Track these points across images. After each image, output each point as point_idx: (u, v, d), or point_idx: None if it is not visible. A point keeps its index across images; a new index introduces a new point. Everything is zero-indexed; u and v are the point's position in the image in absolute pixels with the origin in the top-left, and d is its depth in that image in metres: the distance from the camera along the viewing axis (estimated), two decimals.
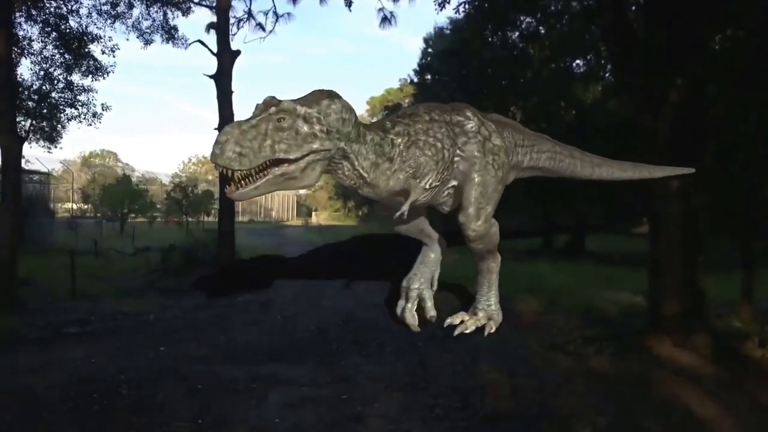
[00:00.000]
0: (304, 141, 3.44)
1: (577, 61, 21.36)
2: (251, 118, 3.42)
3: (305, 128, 3.47)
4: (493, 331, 4.88)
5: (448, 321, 4.77)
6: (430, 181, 4.03)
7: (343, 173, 3.81)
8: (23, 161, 15.76)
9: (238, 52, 15.98)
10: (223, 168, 3.21)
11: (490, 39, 16.66)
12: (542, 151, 5.07)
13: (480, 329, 4.87)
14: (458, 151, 4.11)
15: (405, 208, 3.89)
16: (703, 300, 6.64)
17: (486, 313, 4.82)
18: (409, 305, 4.80)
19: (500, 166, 4.24)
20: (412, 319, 4.74)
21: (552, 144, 5.15)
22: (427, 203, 4.24)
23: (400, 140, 3.87)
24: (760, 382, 5.62)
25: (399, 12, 29.20)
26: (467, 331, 4.84)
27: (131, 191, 32.10)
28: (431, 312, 4.84)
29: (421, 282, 4.87)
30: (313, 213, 67.47)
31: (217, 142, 3.24)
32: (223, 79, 15.55)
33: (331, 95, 3.70)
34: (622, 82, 8.05)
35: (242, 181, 3.37)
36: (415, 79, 32.63)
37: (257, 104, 3.50)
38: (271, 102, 3.47)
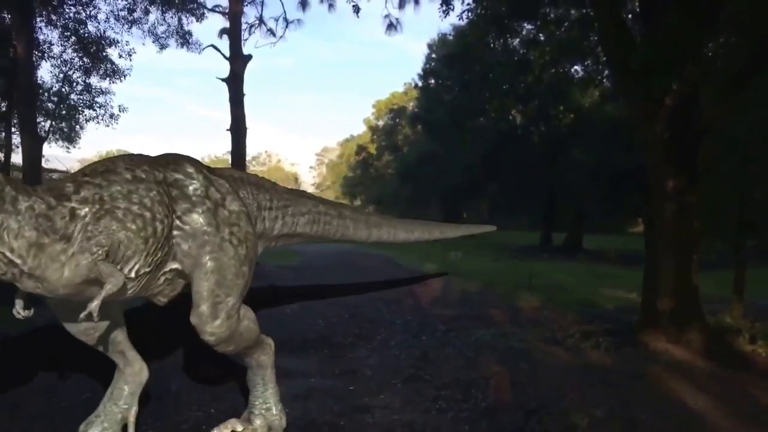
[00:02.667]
0: None
1: (576, 67, 21.34)
2: None
3: None
4: None
5: None
6: (138, 266, 2.74)
7: None
8: (43, 160, 15.87)
9: (249, 57, 15.99)
10: None
11: (492, 45, 16.63)
12: (299, 213, 3.82)
13: None
14: (178, 222, 2.88)
15: (93, 306, 2.57)
16: (697, 297, 6.63)
17: (265, 419, 3.63)
18: None
19: (242, 240, 3.03)
20: None
21: (313, 203, 3.93)
22: (135, 296, 3.00)
23: (86, 210, 2.60)
24: (750, 375, 5.61)
25: (404, 18, 29.18)
26: None
27: None
28: None
29: (105, 428, 3.38)
30: None
31: None
32: (235, 82, 15.56)
33: None
34: (620, 87, 8.03)
35: None
36: (420, 83, 32.74)
37: None
38: None
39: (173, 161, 3.02)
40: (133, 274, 2.73)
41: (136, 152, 3.10)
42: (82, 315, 2.59)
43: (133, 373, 3.54)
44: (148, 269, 2.78)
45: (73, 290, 2.62)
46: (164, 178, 2.88)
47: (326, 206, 4.03)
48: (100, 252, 2.56)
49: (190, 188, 2.93)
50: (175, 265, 2.95)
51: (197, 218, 2.89)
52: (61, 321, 3.21)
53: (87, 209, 2.60)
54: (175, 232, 2.86)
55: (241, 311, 3.21)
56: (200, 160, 3.43)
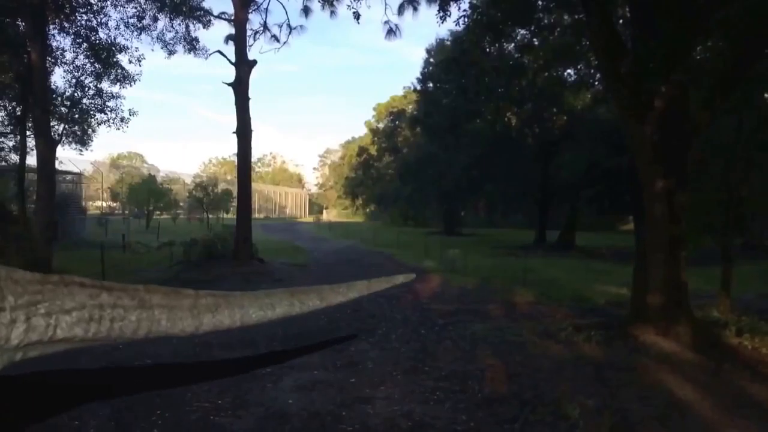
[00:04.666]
0: None
1: (569, 71, 21.31)
2: None
3: None
4: None
5: None
6: None
7: None
8: (57, 162, 15.85)
9: (254, 62, 15.99)
10: None
11: (487, 50, 16.63)
12: (61, 310, 1.00)
13: None
14: None
15: None
16: (685, 292, 6.64)
17: None
18: None
19: None
20: None
21: (90, 293, 1.03)
22: None
23: None
24: (736, 367, 5.62)
25: (403, 24, 29.16)
26: None
27: (156, 190, 32.22)
28: None
29: None
30: (324, 210, 67.56)
31: None
32: (240, 87, 15.57)
33: None
34: (611, 90, 8.03)
35: None
36: (418, 87, 32.64)
37: None
38: None
39: None
40: None
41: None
42: None
43: None
44: None
45: None
46: None
47: (116, 295, 1.17)
48: None
49: None
50: None
51: None
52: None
53: None
54: None
55: None
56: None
